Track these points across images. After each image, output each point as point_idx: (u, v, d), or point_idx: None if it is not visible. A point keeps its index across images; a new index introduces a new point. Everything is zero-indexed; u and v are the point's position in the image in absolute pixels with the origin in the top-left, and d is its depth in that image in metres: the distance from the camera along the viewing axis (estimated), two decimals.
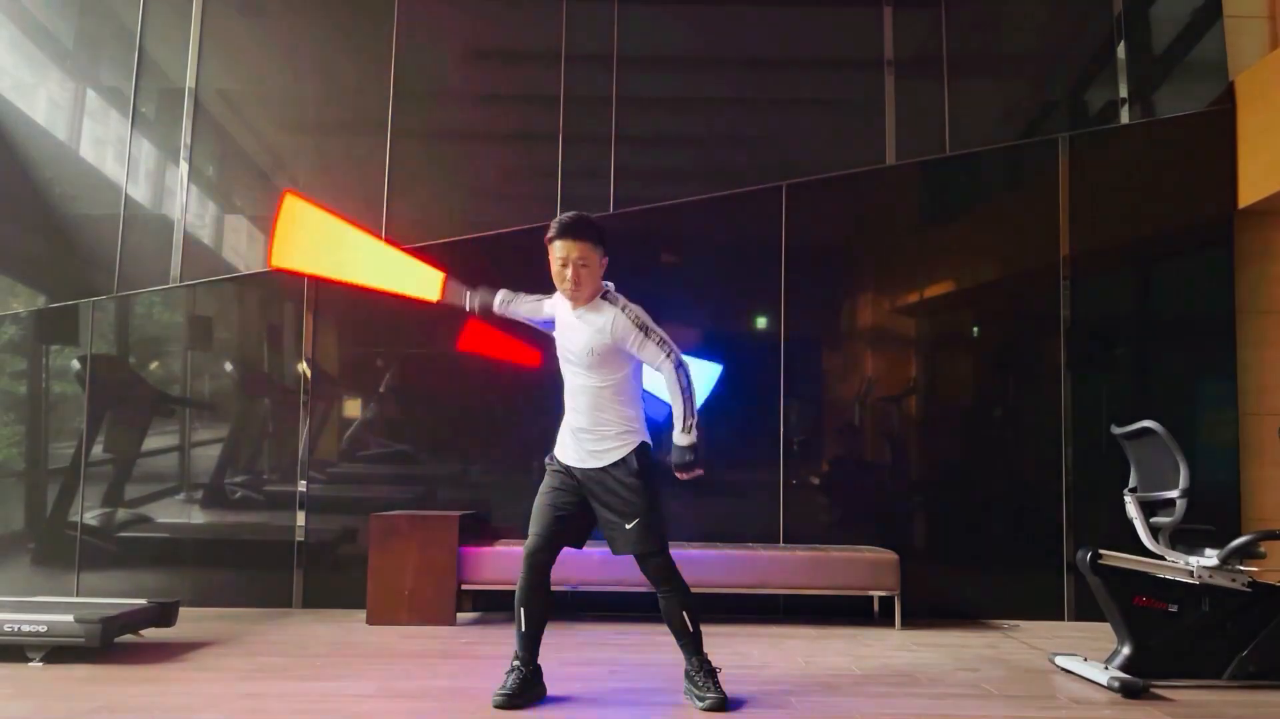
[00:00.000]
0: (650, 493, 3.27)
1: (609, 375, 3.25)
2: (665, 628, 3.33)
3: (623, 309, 3.23)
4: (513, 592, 3.30)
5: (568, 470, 3.32)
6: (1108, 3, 5.64)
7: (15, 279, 5.63)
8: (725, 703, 3.19)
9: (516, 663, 3.26)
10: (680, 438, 3.21)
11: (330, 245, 3.49)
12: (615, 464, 3.24)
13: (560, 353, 3.36)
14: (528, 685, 3.23)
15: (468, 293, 3.53)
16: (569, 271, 3.20)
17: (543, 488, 3.36)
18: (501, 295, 3.54)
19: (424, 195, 5.59)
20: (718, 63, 5.78)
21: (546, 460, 3.41)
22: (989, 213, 5.72)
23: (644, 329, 3.21)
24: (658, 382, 3.38)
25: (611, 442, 3.25)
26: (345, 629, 4.64)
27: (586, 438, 3.27)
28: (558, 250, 3.22)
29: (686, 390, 3.21)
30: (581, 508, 3.31)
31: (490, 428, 5.47)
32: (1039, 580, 5.25)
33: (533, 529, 3.30)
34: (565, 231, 3.21)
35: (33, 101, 5.64)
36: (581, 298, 3.25)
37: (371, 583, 4.78)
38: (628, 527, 3.23)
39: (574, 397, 3.31)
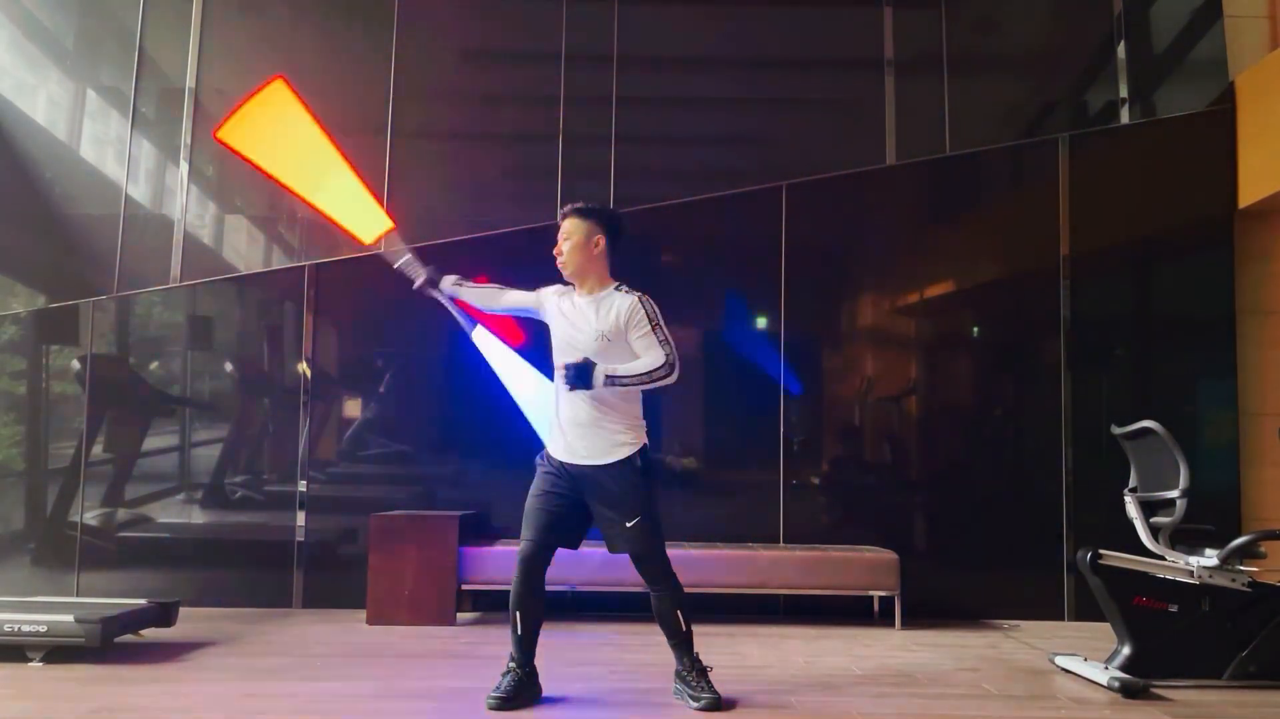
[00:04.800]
0: (650, 493, 3.26)
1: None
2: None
3: (641, 298, 3.26)
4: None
5: (561, 469, 3.28)
6: (1108, 3, 5.64)
7: (15, 279, 5.63)
8: (720, 702, 3.19)
9: (512, 664, 3.25)
10: (602, 372, 3.13)
11: (289, 144, 3.30)
12: (619, 463, 3.21)
13: (560, 346, 3.30)
14: (523, 687, 3.23)
15: (419, 264, 3.49)
16: (557, 247, 3.32)
17: (535, 489, 3.31)
18: (455, 278, 3.51)
19: (424, 195, 5.59)
20: (718, 63, 5.77)
21: (538, 460, 3.37)
22: (989, 213, 5.72)
23: (655, 323, 3.22)
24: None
25: (618, 437, 3.22)
26: (345, 629, 4.64)
27: (588, 434, 3.22)
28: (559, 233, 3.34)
29: (652, 377, 3.17)
30: (576, 508, 3.28)
31: (490, 428, 5.46)
32: (1039, 580, 5.24)
33: (526, 532, 3.26)
34: (563, 214, 3.37)
35: (33, 101, 5.65)
36: (570, 271, 3.31)
37: (371, 583, 4.78)
38: (628, 525, 3.21)
39: (576, 393, 3.21)
